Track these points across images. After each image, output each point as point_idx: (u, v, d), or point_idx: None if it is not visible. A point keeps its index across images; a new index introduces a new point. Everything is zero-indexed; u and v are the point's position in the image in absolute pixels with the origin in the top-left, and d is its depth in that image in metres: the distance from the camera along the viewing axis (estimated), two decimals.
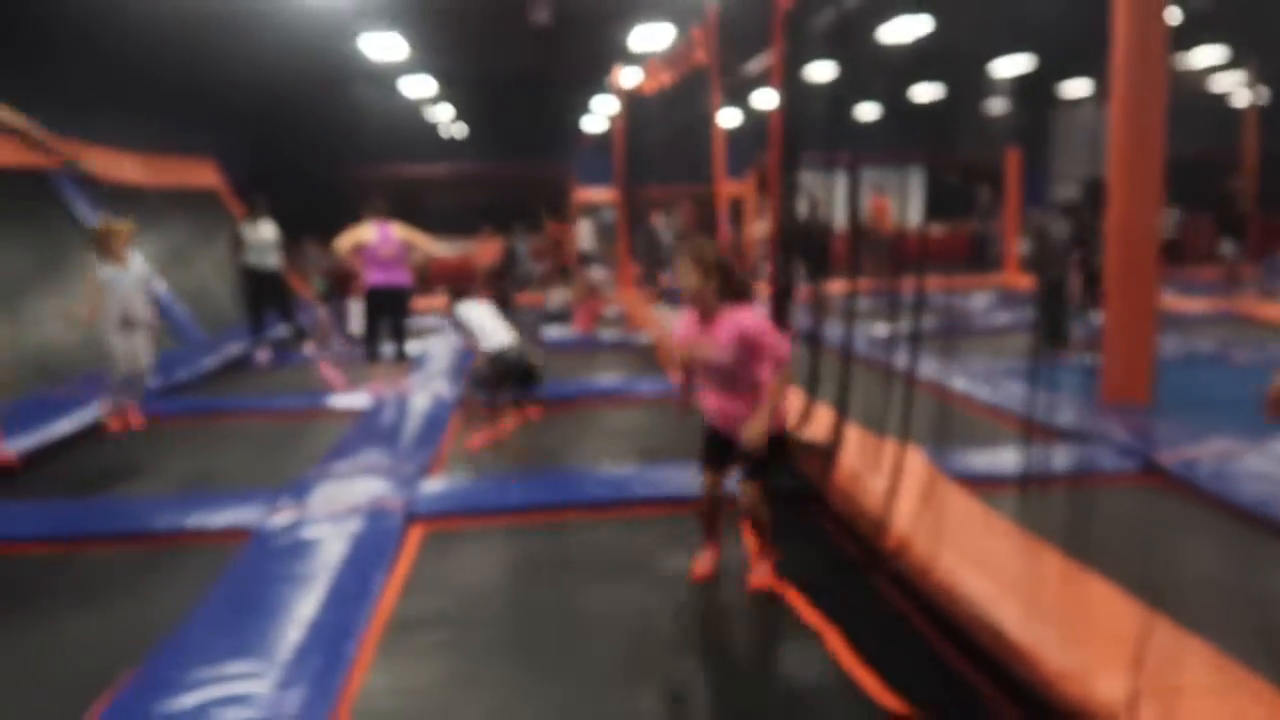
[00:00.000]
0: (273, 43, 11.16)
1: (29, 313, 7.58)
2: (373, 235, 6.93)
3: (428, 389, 6.86)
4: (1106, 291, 5.72)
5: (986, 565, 3.04)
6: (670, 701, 2.73)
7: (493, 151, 18.91)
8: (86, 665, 3.02)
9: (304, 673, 2.73)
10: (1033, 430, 4.88)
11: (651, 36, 10.43)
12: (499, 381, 5.20)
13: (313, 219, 12.58)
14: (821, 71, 5.29)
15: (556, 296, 12.21)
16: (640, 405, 6.71)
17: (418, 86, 14.54)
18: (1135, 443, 4.70)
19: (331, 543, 3.72)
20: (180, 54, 10.42)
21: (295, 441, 5.96)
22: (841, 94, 4.84)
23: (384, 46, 11.31)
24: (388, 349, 7.29)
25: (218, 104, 13.39)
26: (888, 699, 2.63)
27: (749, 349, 3.22)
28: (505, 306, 5.32)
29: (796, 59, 5.54)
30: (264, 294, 9.57)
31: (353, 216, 7.26)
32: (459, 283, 5.44)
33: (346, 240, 6.97)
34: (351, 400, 6.82)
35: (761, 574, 3.46)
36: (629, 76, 11.67)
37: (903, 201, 7.67)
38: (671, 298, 10.66)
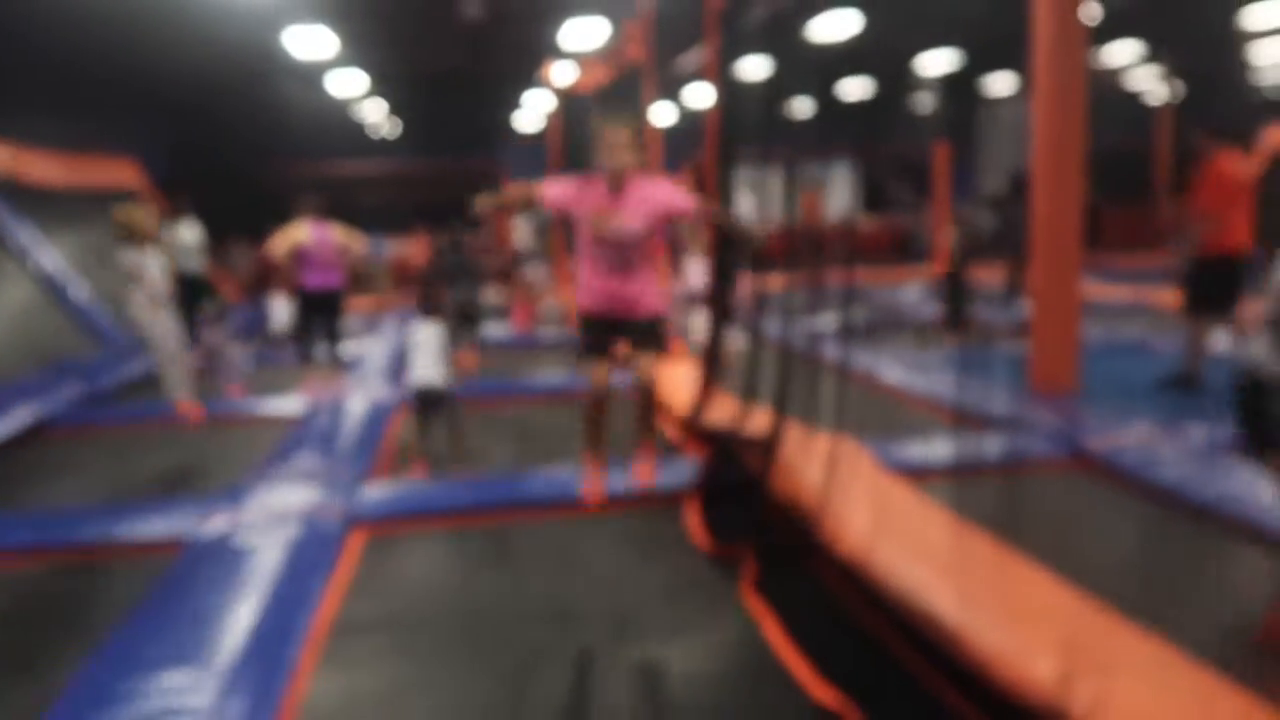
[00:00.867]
0: (197, 36, 10.85)
1: None
2: (309, 236, 6.76)
3: (364, 392, 6.76)
4: (1031, 281, 5.88)
5: (921, 552, 3.11)
6: (615, 697, 2.74)
7: (425, 148, 18.67)
8: (22, 677, 2.93)
9: (244, 681, 2.67)
10: (964, 419, 5.02)
11: (585, 32, 10.40)
12: (421, 415, 5.01)
13: (239, 218, 12.29)
14: (755, 68, 5.35)
15: (491, 295, 12.16)
16: (574, 402, 6.70)
17: (348, 82, 14.28)
18: (1063, 429, 4.85)
19: (269, 549, 3.65)
20: (100, 48, 10.07)
21: (228, 448, 5.82)
22: (775, 90, 4.89)
23: (312, 41, 11.09)
24: (321, 351, 7.15)
25: (139, 100, 12.97)
26: (820, 690, 2.68)
27: (660, 218, 3.17)
28: (440, 310, 5.06)
29: (730, 55, 5.60)
30: (189, 299, 9.31)
31: (281, 215, 7.08)
32: (428, 295, 5.19)
33: (282, 242, 6.75)
34: (286, 405, 6.69)
35: (645, 469, 3.43)
36: (562, 72, 11.63)
37: (833, 196, 7.84)
38: None
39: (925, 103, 16.90)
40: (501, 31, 12.29)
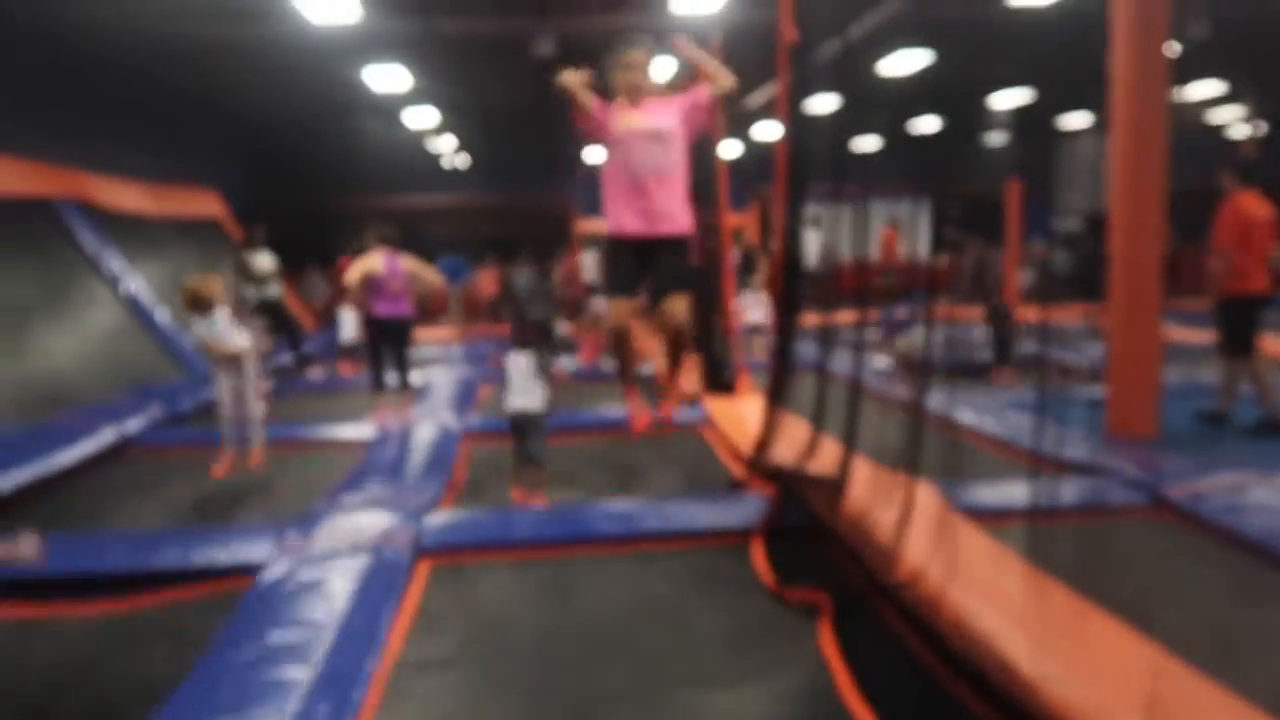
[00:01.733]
0: (277, 73, 11.27)
1: (35, 341, 7.59)
2: (380, 266, 6.96)
3: (433, 419, 6.86)
4: (1110, 323, 5.74)
5: (995, 600, 3.03)
6: None
7: (495, 182, 19.03)
8: (100, 709, 3.00)
9: None
10: (1039, 463, 4.89)
11: (654, 68, 10.53)
12: (518, 439, 5.30)
13: (315, 249, 12.67)
14: (825, 103, 5.35)
15: (560, 327, 12.31)
16: (642, 437, 6.70)
17: (420, 117, 14.65)
18: (1142, 476, 4.70)
19: (338, 581, 3.69)
20: (185, 84, 10.53)
21: (299, 473, 5.95)
22: (844, 126, 4.88)
23: (387, 77, 11.42)
24: (391, 379, 7.30)
25: (221, 134, 13.50)
26: None
27: (682, 113, 3.25)
28: (535, 340, 5.31)
29: (800, 90, 5.60)
30: (267, 323, 9.69)
31: (355, 246, 7.29)
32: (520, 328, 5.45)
33: (355, 272, 7.00)
34: (356, 431, 6.82)
35: (679, 393, 3.47)
36: None
37: (912, 233, 7.81)
38: None
39: (998, 139, 16.71)
40: (574, 67, 12.50)
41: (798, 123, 5.67)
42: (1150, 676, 2.45)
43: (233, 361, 5.97)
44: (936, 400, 6.29)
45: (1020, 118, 15.55)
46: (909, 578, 3.30)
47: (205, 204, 13.19)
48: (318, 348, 11.40)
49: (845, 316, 4.50)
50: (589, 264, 16.41)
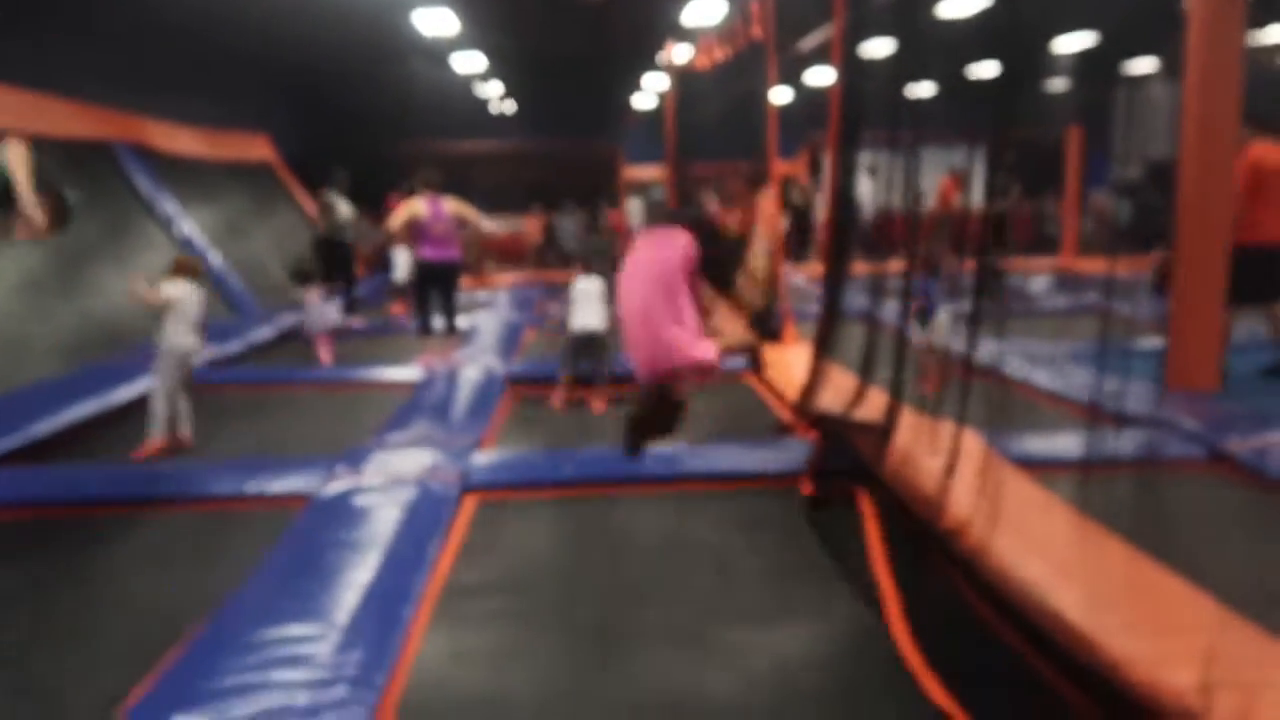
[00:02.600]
0: (326, 18, 11.23)
1: (93, 281, 7.74)
2: (425, 210, 6.95)
3: (478, 362, 6.90)
4: (1177, 274, 5.56)
5: (1046, 550, 2.98)
6: (721, 674, 2.71)
7: (541, 128, 18.89)
8: (153, 621, 3.10)
9: (363, 636, 2.76)
10: (1095, 415, 4.79)
11: (705, 12, 10.31)
12: (573, 353, 6.00)
13: (364, 194, 12.69)
14: (880, 48, 5.19)
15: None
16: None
17: (468, 62, 14.54)
18: (1202, 429, 4.58)
19: (388, 510, 3.76)
20: (236, 30, 10.53)
21: (349, 413, 6.03)
22: (900, 71, 4.73)
23: (435, 22, 11.32)
24: (438, 323, 7.33)
25: (272, 80, 13.53)
26: (930, 682, 2.59)
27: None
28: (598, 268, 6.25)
29: (856, 34, 5.44)
30: (336, 264, 9.95)
31: (402, 188, 7.31)
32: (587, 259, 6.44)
33: (400, 215, 7.03)
34: (403, 373, 6.88)
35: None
36: (680, 53, 11.57)
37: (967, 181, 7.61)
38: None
39: (1058, 85, 16.16)
40: (620, 13, 12.29)
41: (853, 68, 5.52)
42: (1208, 630, 2.39)
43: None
44: (989, 351, 6.18)
45: (1083, 62, 15.02)
46: (955, 524, 3.26)
47: (257, 148, 13.29)
48: (367, 293, 11.50)
49: (896, 266, 4.40)
50: (634, 211, 16.27)
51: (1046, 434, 4.63)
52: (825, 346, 5.31)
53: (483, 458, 4.63)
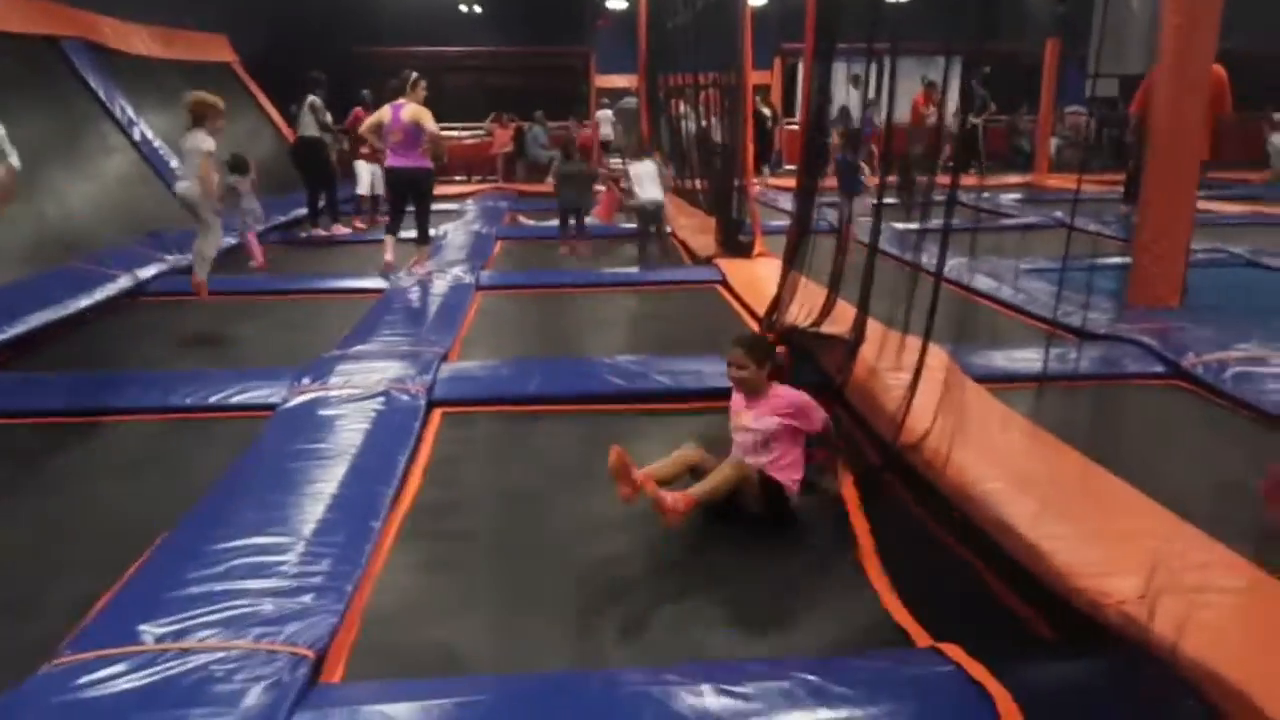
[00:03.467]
0: None
1: (48, 185, 7.51)
2: (388, 117, 6.81)
3: (448, 274, 6.83)
4: (1144, 190, 5.57)
5: (1002, 463, 3.03)
6: (679, 590, 2.75)
7: (511, 35, 18.33)
8: (118, 531, 3.09)
9: (330, 547, 2.78)
10: (1057, 329, 4.83)
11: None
12: (642, 227, 7.91)
13: (331, 101, 12.30)
14: None
15: None
16: (658, 294, 6.67)
17: None
18: (1161, 345, 4.64)
19: (354, 422, 3.75)
20: None
21: (314, 323, 5.96)
22: None
23: None
24: (411, 234, 7.18)
25: None
26: (891, 601, 2.64)
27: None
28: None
29: None
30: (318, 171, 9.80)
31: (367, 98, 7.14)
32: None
33: (369, 123, 7.07)
34: (370, 283, 6.81)
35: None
36: None
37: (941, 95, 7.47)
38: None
39: None
40: None
41: None
42: (1156, 538, 2.46)
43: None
44: (956, 266, 6.20)
45: None
46: (916, 440, 3.31)
47: (216, 49, 12.79)
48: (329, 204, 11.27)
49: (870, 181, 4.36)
50: (606, 121, 15.95)
51: (1009, 349, 4.67)
52: (795, 260, 5.30)
53: (450, 369, 4.61)
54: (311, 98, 9.70)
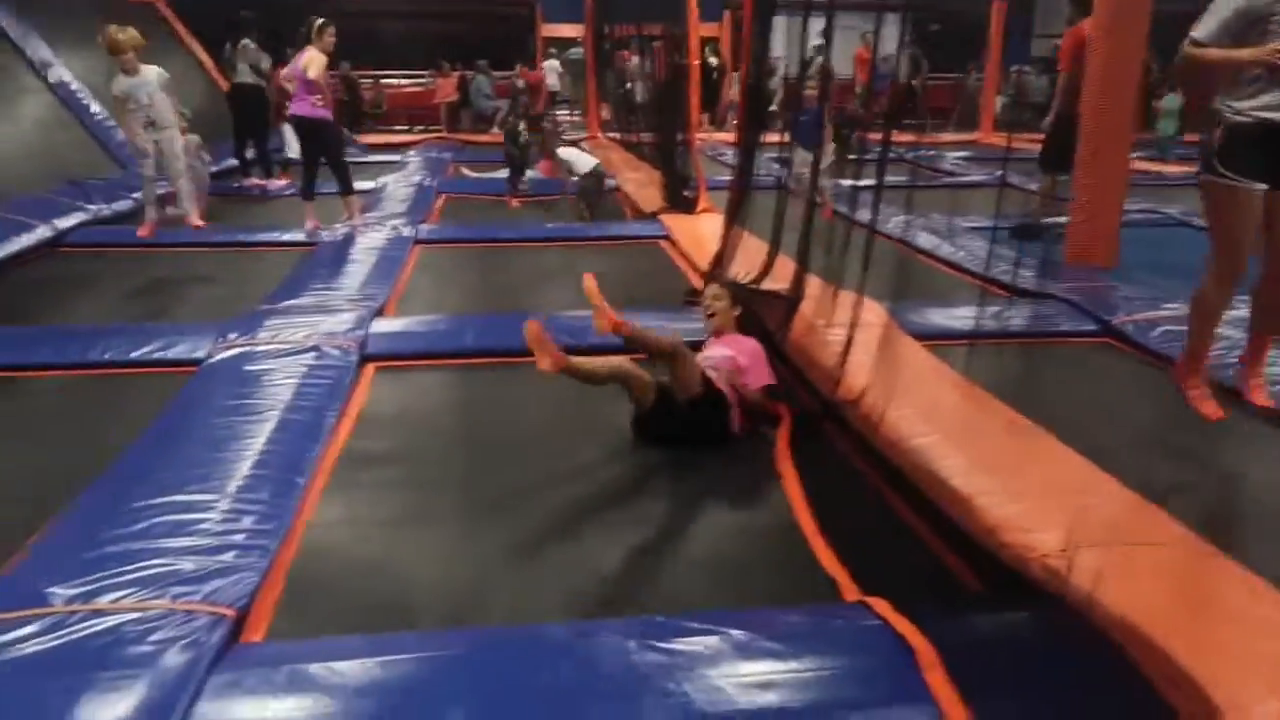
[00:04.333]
0: None
1: None
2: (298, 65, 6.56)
3: (385, 226, 6.66)
4: (1080, 152, 5.61)
5: (935, 418, 3.05)
6: (611, 542, 2.74)
7: None
8: (29, 491, 2.98)
9: (254, 503, 2.70)
10: (992, 287, 4.89)
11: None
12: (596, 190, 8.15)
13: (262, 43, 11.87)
14: None
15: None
16: (604, 250, 6.59)
17: None
18: (1093, 305, 4.71)
19: (282, 377, 3.65)
20: None
21: (242, 275, 5.79)
22: None
23: None
24: (332, 188, 6.94)
25: None
26: (824, 553, 2.65)
27: None
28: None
29: None
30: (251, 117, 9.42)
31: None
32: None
33: (284, 72, 6.91)
34: (300, 236, 6.62)
35: None
36: None
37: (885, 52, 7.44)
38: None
39: None
40: None
41: None
42: (1080, 493, 2.50)
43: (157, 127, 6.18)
44: (896, 223, 6.22)
45: None
46: (851, 395, 3.32)
47: None
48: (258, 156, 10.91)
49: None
50: (552, 71, 15.66)
51: (947, 306, 4.71)
52: (737, 216, 5.27)
53: (384, 324, 4.51)
54: (245, 40, 9.29)
